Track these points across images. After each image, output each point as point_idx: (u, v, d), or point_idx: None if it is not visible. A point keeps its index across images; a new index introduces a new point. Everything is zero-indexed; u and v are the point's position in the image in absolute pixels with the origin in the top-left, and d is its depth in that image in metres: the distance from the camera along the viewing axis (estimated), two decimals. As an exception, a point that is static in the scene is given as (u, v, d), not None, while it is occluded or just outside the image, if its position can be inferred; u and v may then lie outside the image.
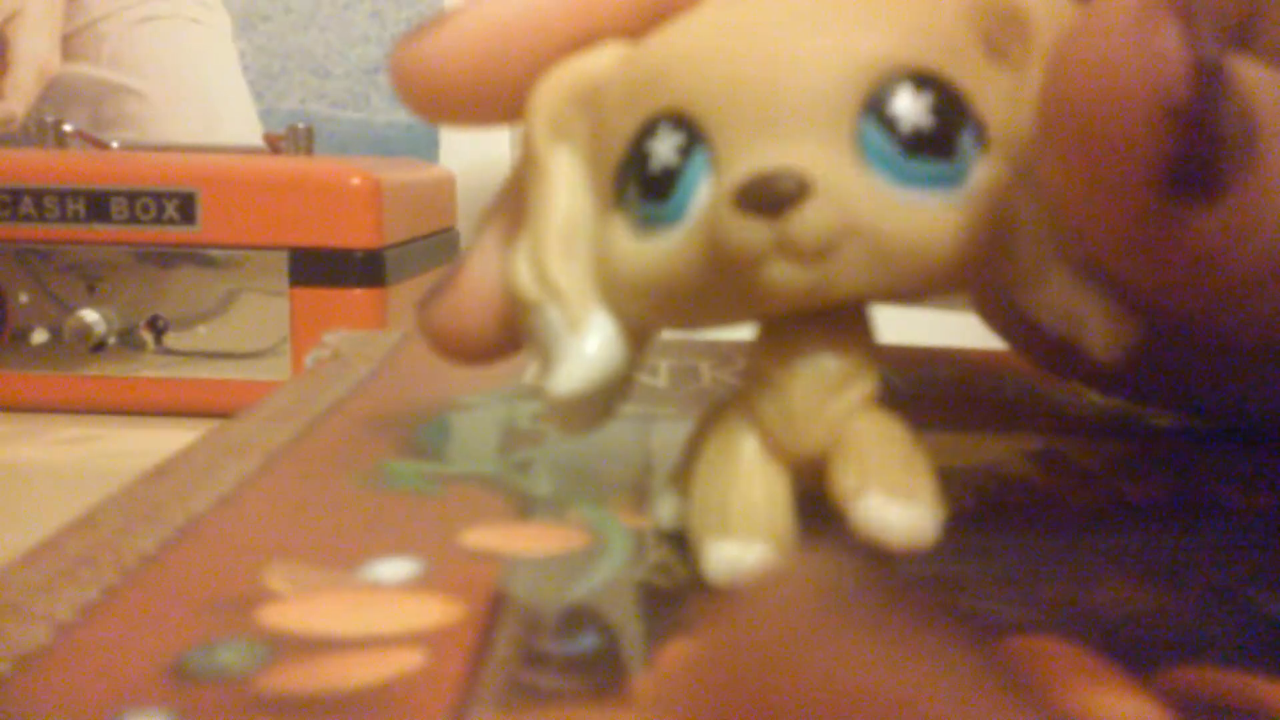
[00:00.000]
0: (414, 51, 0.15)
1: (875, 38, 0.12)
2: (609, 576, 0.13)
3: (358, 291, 0.40)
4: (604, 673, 0.11)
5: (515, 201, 0.15)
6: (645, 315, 0.13)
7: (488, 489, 0.16)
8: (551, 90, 0.14)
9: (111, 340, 0.40)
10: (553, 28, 0.14)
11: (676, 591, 0.13)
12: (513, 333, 0.15)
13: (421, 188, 0.49)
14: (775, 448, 0.13)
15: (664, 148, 0.12)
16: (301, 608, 0.12)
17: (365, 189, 0.40)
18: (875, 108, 0.12)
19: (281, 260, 0.40)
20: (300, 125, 0.48)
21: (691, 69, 0.12)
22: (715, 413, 0.14)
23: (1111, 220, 0.11)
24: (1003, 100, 0.12)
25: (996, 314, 0.21)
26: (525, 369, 0.24)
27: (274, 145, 0.48)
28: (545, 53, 0.14)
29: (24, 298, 0.40)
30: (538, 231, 0.14)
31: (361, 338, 0.28)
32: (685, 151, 0.12)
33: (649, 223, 0.13)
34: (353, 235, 0.40)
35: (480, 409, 0.21)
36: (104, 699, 0.10)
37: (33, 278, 0.40)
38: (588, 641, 0.12)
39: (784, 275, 0.12)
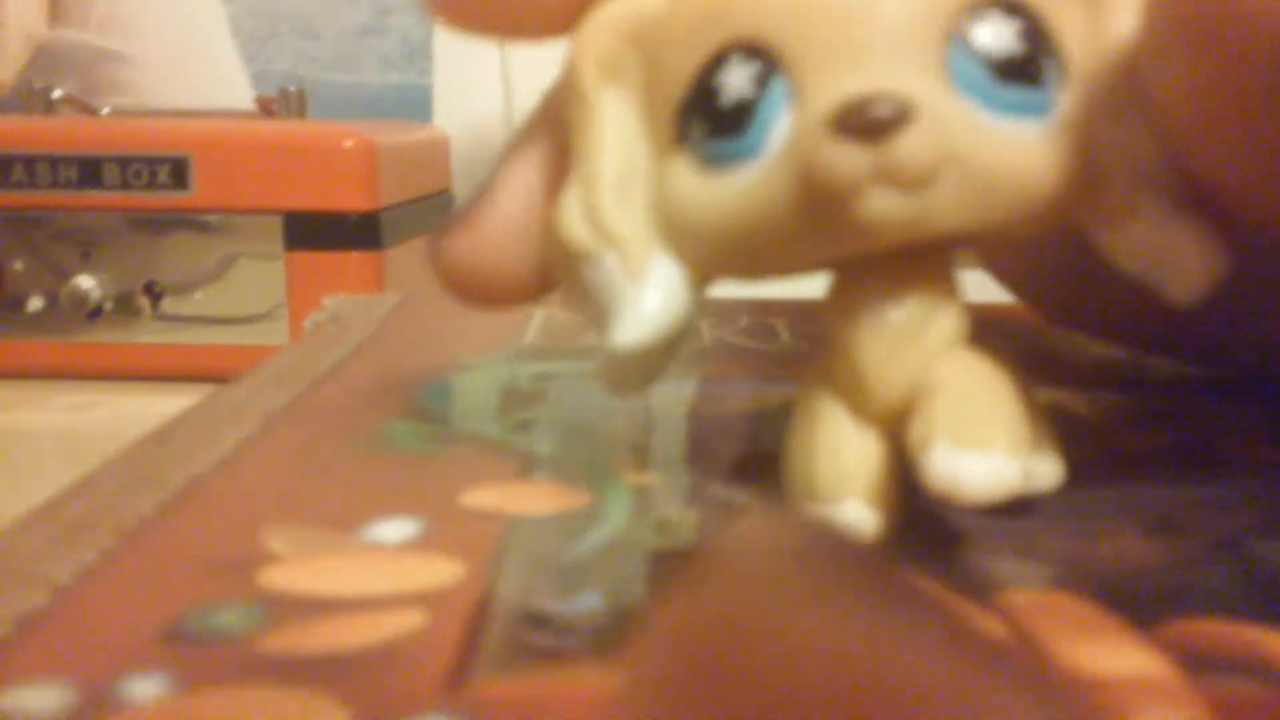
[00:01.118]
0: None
1: None
2: (610, 536, 0.13)
3: (354, 254, 0.40)
4: (604, 633, 0.11)
5: (548, 138, 0.14)
6: (713, 261, 0.13)
7: (488, 449, 0.16)
8: (600, 29, 0.13)
9: (108, 306, 0.39)
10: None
11: (677, 551, 0.13)
12: (538, 277, 0.14)
13: (416, 149, 0.48)
14: (858, 408, 0.12)
15: (737, 79, 0.12)
16: (301, 569, 0.12)
17: (359, 151, 0.40)
18: (964, 33, 0.11)
19: (276, 224, 0.40)
20: (292, 88, 0.47)
21: None
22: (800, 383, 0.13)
23: (1248, 128, 0.10)
24: (1080, 32, 0.12)
25: (1005, 261, 0.21)
26: (526, 328, 0.24)
27: (266, 108, 0.48)
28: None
29: (18, 265, 0.39)
30: (589, 176, 0.13)
31: (360, 301, 0.28)
32: (761, 82, 0.12)
33: (719, 160, 0.12)
34: (347, 198, 0.40)
35: (480, 370, 0.21)
36: (104, 662, 0.10)
37: (27, 245, 0.39)
38: (588, 601, 0.12)
39: (882, 206, 0.11)
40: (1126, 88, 0.12)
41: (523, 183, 0.14)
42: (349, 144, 0.40)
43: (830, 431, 0.12)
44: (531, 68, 0.59)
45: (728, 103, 0.12)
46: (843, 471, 0.12)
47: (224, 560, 0.12)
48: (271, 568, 0.12)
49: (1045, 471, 0.13)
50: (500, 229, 0.14)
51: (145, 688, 0.10)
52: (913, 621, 0.06)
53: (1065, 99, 0.12)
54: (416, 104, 0.66)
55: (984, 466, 0.11)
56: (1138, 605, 0.11)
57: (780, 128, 0.12)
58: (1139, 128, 0.12)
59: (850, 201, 0.11)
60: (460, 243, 0.14)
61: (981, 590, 0.12)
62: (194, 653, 0.10)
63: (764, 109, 0.12)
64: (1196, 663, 0.10)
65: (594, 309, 0.13)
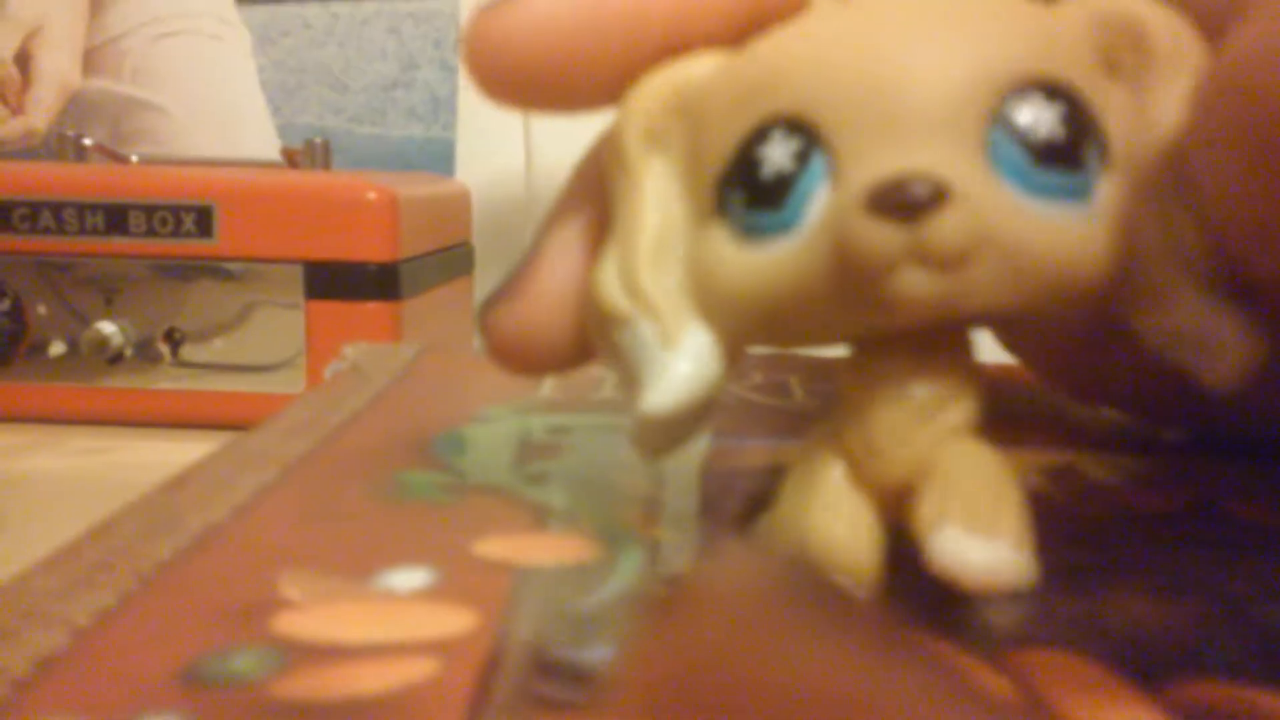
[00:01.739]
0: (498, 22, 0.13)
1: (1005, 44, 0.12)
2: (621, 588, 0.13)
3: (373, 305, 0.40)
4: (614, 684, 0.11)
5: (588, 204, 0.15)
6: (747, 330, 0.13)
7: (502, 500, 0.16)
8: (647, 97, 0.13)
9: (128, 352, 0.40)
10: (651, 15, 0.13)
11: (668, 602, 0.13)
12: (584, 344, 0.14)
13: (437, 202, 0.49)
14: (860, 477, 0.12)
15: (778, 153, 0.12)
16: (315, 616, 0.12)
17: (381, 203, 0.41)
18: (1006, 116, 0.12)
19: (297, 274, 0.40)
20: (317, 140, 0.48)
21: (810, 72, 0.12)
22: (807, 439, 0.13)
23: None
24: (1121, 116, 0.12)
25: (1024, 335, 0.21)
26: (542, 380, 0.24)
27: (291, 160, 0.49)
28: (642, 42, 0.13)
29: (42, 309, 0.40)
30: (628, 242, 0.13)
31: (380, 350, 0.28)
32: (802, 157, 0.12)
33: (757, 232, 0.12)
34: (368, 249, 0.40)
35: (497, 421, 0.21)
36: (119, 704, 0.10)
37: (51, 290, 0.40)
38: (599, 653, 0.12)
39: (915, 285, 0.11)
40: (1170, 175, 0.12)
41: (566, 252, 0.15)
42: (371, 196, 0.41)
43: (828, 496, 0.12)
44: (552, 124, 0.59)
45: (767, 176, 0.12)
46: (835, 538, 0.12)
47: (239, 605, 0.12)
48: (286, 614, 0.12)
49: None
50: (546, 300, 0.14)
51: (159, 730, 0.10)
52: (899, 664, 0.06)
53: (1106, 184, 0.12)
54: (440, 157, 0.66)
55: (991, 553, 0.11)
56: (1146, 667, 0.11)
57: (818, 203, 0.12)
58: (1181, 214, 0.12)
59: (883, 279, 0.11)
60: (508, 315, 0.15)
61: (990, 649, 0.12)
62: (208, 696, 0.10)
63: (803, 184, 0.12)
64: (1206, 726, 0.10)
65: (627, 373, 0.13)
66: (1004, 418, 0.12)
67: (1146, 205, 0.12)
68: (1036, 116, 0.12)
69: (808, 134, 0.12)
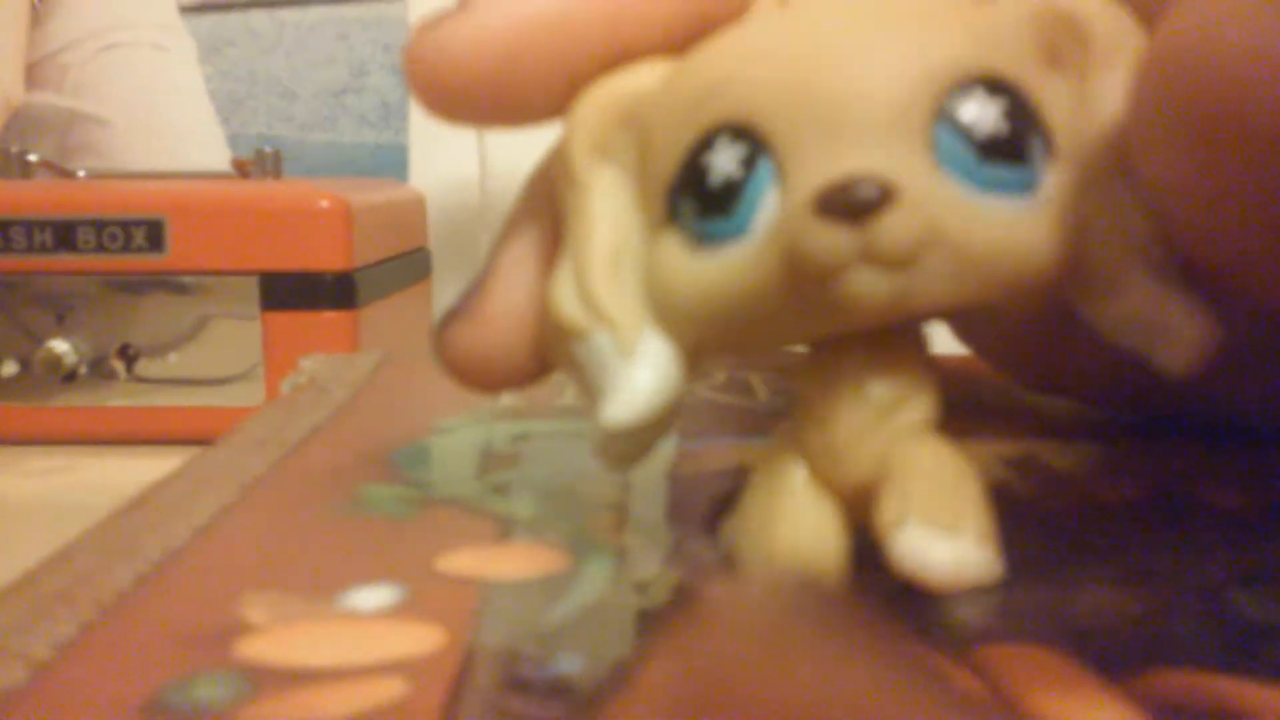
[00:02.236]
0: (434, 39, 0.14)
1: (944, 42, 0.12)
2: (589, 598, 0.13)
3: (330, 314, 0.40)
4: (587, 697, 0.11)
5: (538, 220, 0.15)
6: (703, 337, 0.13)
7: (466, 512, 0.16)
8: (592, 109, 0.13)
9: (83, 370, 0.39)
10: (581, 29, 0.14)
11: (658, 612, 0.13)
12: (541, 360, 0.14)
13: (392, 208, 0.49)
14: (823, 479, 0.12)
15: (724, 160, 0.12)
16: (280, 639, 0.12)
17: (335, 211, 0.40)
18: (949, 112, 0.12)
19: (252, 285, 0.40)
20: (268, 149, 0.48)
21: (753, 78, 0.12)
22: (769, 441, 0.13)
23: (1245, 207, 0.10)
24: (1064, 107, 0.12)
25: (978, 328, 0.21)
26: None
27: (242, 170, 0.48)
28: (578, 54, 0.14)
29: (-8, 330, 0.39)
30: (582, 255, 0.13)
31: (338, 361, 0.28)
32: (748, 163, 0.12)
33: (708, 239, 0.12)
34: (323, 258, 0.40)
35: (458, 431, 0.21)
36: (83, 739, 0.10)
37: (1, 309, 0.39)
38: (570, 665, 0.12)
39: (866, 285, 0.11)
40: (1114, 163, 0.12)
41: (519, 269, 0.14)
42: (324, 204, 0.40)
43: (791, 499, 0.12)
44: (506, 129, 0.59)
45: (715, 183, 0.12)
46: (799, 543, 0.12)
47: (202, 631, 0.12)
48: (249, 638, 0.12)
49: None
50: (501, 317, 0.14)
51: (123, 764, 0.10)
52: (894, 675, 0.06)
53: (1052, 174, 0.12)
54: (393, 163, 0.66)
55: (953, 551, 0.11)
56: (1113, 657, 0.11)
57: (767, 208, 0.12)
58: (1128, 202, 0.12)
59: (834, 281, 0.11)
60: (463, 334, 0.15)
61: (956, 646, 0.12)
62: (172, 727, 0.10)
63: (750, 190, 0.12)
64: (1172, 716, 0.10)
65: (587, 385, 0.13)
66: (960, 409, 0.13)
67: (1094, 193, 0.12)
68: (979, 112, 0.12)
69: (753, 140, 0.12)
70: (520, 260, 0.15)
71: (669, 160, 0.13)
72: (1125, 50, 0.12)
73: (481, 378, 0.15)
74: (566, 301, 0.13)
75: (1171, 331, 0.12)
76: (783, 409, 0.22)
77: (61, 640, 0.12)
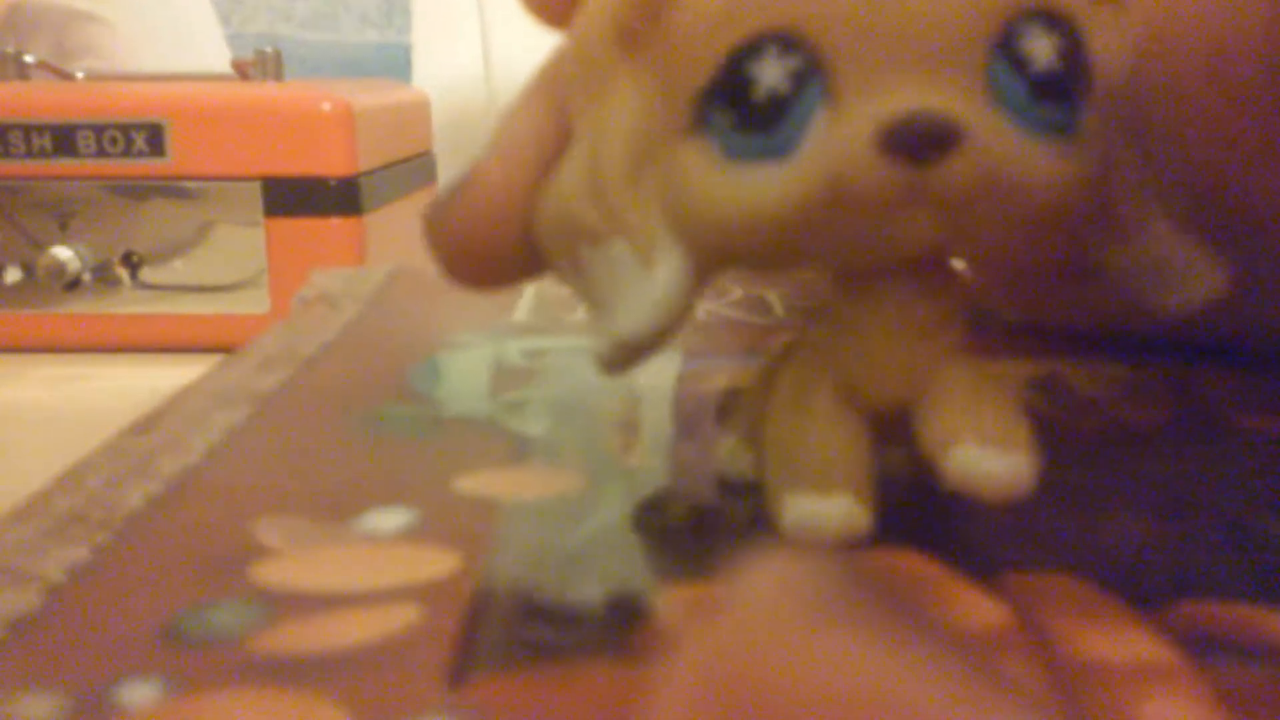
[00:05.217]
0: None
1: None
2: (605, 521, 0.13)
3: (334, 220, 0.40)
4: (604, 625, 0.11)
5: (545, 105, 0.14)
6: (725, 253, 0.12)
7: (481, 431, 0.16)
8: None
9: (86, 277, 0.39)
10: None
11: (673, 533, 0.13)
12: (532, 254, 0.14)
13: (395, 111, 0.48)
14: (854, 396, 0.12)
15: (772, 73, 0.11)
16: (296, 563, 0.12)
17: (337, 114, 0.40)
18: (1008, 46, 0.11)
19: (255, 191, 0.39)
20: (268, 49, 0.47)
21: None
22: (783, 358, 0.13)
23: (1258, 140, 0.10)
24: (1105, 43, 0.12)
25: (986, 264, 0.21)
26: (517, 303, 0.24)
27: (242, 71, 0.47)
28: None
29: (-6, 236, 0.39)
30: (601, 155, 0.12)
31: (348, 275, 0.27)
32: (799, 79, 0.11)
33: (742, 155, 0.11)
34: (326, 163, 0.40)
35: (472, 347, 0.21)
36: (98, 666, 0.10)
37: (2, 215, 0.39)
38: (587, 592, 0.11)
39: (917, 225, 0.11)
40: (1136, 103, 0.12)
41: (520, 153, 0.14)
42: (327, 107, 0.40)
43: (821, 418, 0.12)
44: (512, 24, 0.58)
45: (759, 97, 0.11)
46: (831, 462, 0.12)
47: (217, 555, 0.12)
48: (265, 562, 0.12)
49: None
50: (496, 201, 0.14)
51: (140, 692, 0.10)
52: (929, 663, 0.06)
53: (1087, 116, 0.12)
54: (395, 64, 0.65)
55: (1008, 465, 0.11)
56: (1141, 587, 0.11)
57: (814, 130, 0.11)
58: (1148, 144, 0.12)
59: (887, 216, 0.11)
60: (455, 214, 0.14)
61: (983, 572, 0.12)
62: (188, 654, 0.10)
63: (799, 109, 0.11)
64: (1201, 646, 0.10)
65: (592, 289, 0.13)
66: (982, 328, 0.12)
67: (1120, 135, 0.12)
68: (1037, 47, 0.11)
69: (805, 54, 0.11)
70: (522, 145, 0.14)
71: (703, 63, 0.12)
72: None
73: (469, 264, 0.14)
74: (580, 201, 0.12)
75: (1186, 276, 0.12)
76: (800, 326, 0.22)
77: (76, 563, 0.12)
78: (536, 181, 0.13)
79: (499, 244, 0.14)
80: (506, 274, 0.14)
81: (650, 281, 0.12)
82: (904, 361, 0.12)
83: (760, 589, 0.06)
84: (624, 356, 0.13)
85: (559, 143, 0.13)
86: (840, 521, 0.11)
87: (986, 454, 0.11)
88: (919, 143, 0.10)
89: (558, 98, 0.14)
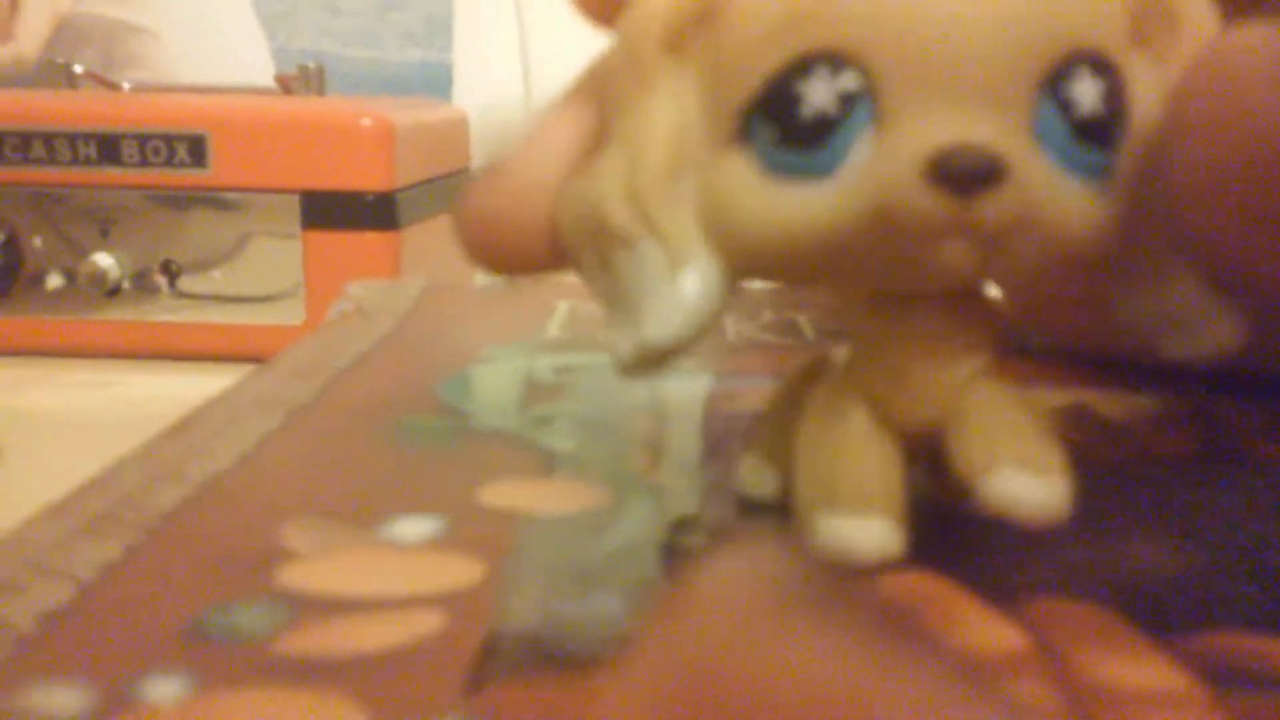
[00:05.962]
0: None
1: (1060, 12, 0.11)
2: (628, 536, 0.13)
3: (371, 234, 0.40)
4: (622, 638, 0.11)
5: (584, 106, 0.14)
6: (759, 266, 0.12)
7: (509, 445, 0.16)
8: (672, 0, 0.12)
9: (126, 284, 0.39)
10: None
11: (696, 550, 0.13)
12: (557, 249, 0.13)
13: (434, 128, 0.48)
14: (886, 417, 0.12)
15: (821, 93, 0.11)
16: (321, 567, 0.12)
17: (377, 130, 0.40)
18: (1055, 87, 0.11)
19: (293, 203, 0.40)
20: (311, 65, 0.47)
21: (868, 7, 0.11)
22: (806, 378, 0.13)
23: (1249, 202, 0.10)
24: (1141, 91, 0.12)
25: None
26: (548, 320, 0.24)
27: (285, 86, 0.48)
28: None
29: (38, 242, 0.39)
30: (640, 157, 0.12)
31: (383, 288, 0.28)
32: (848, 101, 0.11)
33: (786, 170, 0.11)
34: (365, 177, 0.40)
35: (502, 362, 0.21)
36: (124, 661, 0.10)
37: (46, 222, 0.39)
38: (606, 604, 0.11)
39: (955, 254, 0.11)
40: (1160, 154, 0.12)
41: (553, 148, 0.14)
42: (367, 122, 0.40)
43: (856, 439, 0.12)
44: (551, 45, 0.58)
45: (807, 116, 0.11)
46: (867, 483, 0.12)
47: (244, 557, 0.12)
48: (291, 566, 0.12)
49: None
50: (524, 191, 0.14)
51: (164, 688, 0.10)
52: (906, 659, 0.06)
53: (1122, 161, 0.12)
54: (437, 81, 0.65)
55: (1046, 489, 0.11)
56: (1161, 615, 0.11)
57: (859, 151, 0.11)
58: (1167, 193, 0.12)
59: (927, 245, 0.11)
60: (481, 201, 0.14)
61: (1002, 595, 0.12)
62: (213, 652, 0.10)
63: (846, 130, 0.11)
64: (1221, 676, 0.10)
65: (617, 291, 0.13)
66: (1014, 356, 0.12)
67: (1148, 183, 0.12)
68: (1083, 91, 0.11)
69: (856, 76, 0.11)
70: (555, 138, 0.14)
71: (751, 76, 0.12)
72: (1207, 39, 0.12)
73: (490, 250, 0.14)
74: (614, 202, 0.12)
75: (1199, 326, 0.12)
76: (830, 349, 0.22)
77: (106, 561, 0.12)
78: (562, 180, 0.13)
79: (521, 233, 0.14)
80: (526, 263, 0.14)
81: (680, 288, 0.12)
82: (936, 383, 0.12)
83: (722, 587, 0.06)
84: (647, 362, 0.12)
85: (592, 140, 0.13)
86: (876, 543, 0.12)
87: (1025, 478, 0.11)
88: (966, 175, 0.10)
89: (596, 99, 0.13)
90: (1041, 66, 0.11)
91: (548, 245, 0.14)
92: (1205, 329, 0.12)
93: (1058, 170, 0.11)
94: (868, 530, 0.12)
